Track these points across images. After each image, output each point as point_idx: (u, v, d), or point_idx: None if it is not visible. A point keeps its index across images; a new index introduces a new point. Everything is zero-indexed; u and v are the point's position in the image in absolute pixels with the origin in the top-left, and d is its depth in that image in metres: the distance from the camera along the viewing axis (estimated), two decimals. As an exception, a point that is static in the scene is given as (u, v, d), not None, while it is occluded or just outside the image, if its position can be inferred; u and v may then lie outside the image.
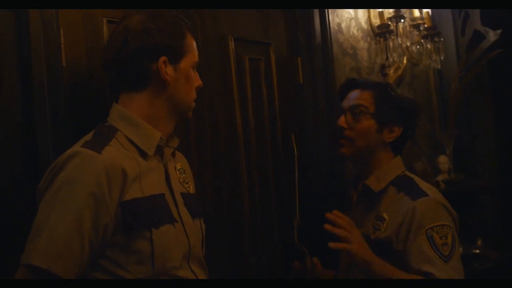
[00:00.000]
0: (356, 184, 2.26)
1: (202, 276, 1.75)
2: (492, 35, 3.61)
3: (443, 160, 3.61)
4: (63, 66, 1.97)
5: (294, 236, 2.27)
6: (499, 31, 3.58)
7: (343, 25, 3.18)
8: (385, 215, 2.08)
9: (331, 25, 3.04)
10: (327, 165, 2.89)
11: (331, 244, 1.95)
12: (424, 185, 2.13)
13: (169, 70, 1.70)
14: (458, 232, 2.05)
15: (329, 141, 2.47)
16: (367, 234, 2.09)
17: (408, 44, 3.49)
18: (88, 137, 1.64)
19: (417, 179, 2.17)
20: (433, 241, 1.95)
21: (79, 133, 1.70)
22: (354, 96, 2.21)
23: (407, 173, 2.20)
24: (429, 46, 3.48)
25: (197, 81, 1.81)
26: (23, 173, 1.86)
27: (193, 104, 1.81)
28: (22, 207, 1.77)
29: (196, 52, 1.79)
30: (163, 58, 1.68)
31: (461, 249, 3.17)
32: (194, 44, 1.79)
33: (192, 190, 1.88)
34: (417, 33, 3.51)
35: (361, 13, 3.31)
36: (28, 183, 1.79)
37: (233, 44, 2.56)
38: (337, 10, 3.13)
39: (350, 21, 3.23)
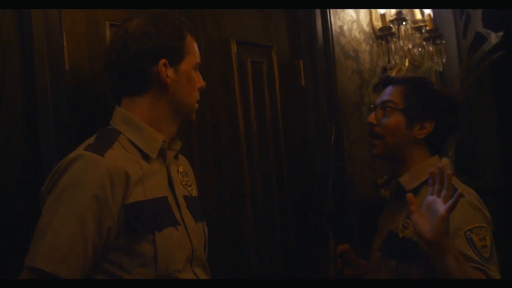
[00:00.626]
0: (389, 182, 2.22)
1: (204, 278, 1.75)
2: (493, 37, 3.62)
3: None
4: (66, 69, 1.98)
5: (324, 223, 2.25)
6: (500, 33, 3.59)
7: (345, 27, 3.18)
8: None
9: (333, 28, 3.05)
10: (330, 166, 2.87)
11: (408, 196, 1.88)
12: (461, 186, 2.05)
13: (169, 72, 1.70)
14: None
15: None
16: (395, 232, 2.05)
17: (410, 46, 3.49)
18: (91, 140, 1.64)
19: (454, 180, 2.04)
20: (473, 243, 1.88)
21: (82, 135, 1.70)
22: (386, 92, 2.17)
23: None
24: (430, 48, 3.49)
25: (200, 82, 1.80)
26: (26, 175, 1.85)
27: (196, 105, 1.81)
28: (24, 208, 1.77)
29: (197, 53, 1.79)
30: (163, 61, 1.68)
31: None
32: (195, 45, 1.79)
33: (194, 193, 1.88)
34: (419, 35, 3.51)
35: (363, 15, 3.31)
36: (31, 185, 1.80)
37: (235, 47, 2.57)
38: (339, 12, 3.14)
39: (352, 23, 3.23)
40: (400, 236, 2.04)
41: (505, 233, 3.68)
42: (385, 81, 2.24)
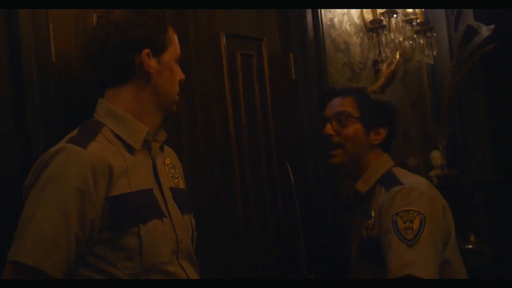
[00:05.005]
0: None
1: (191, 271, 1.74)
2: (485, 30, 3.60)
3: (436, 156, 3.61)
4: (53, 61, 1.96)
5: (303, 268, 2.33)
6: (492, 26, 3.57)
7: (336, 20, 3.17)
8: (372, 213, 2.09)
9: (324, 20, 3.04)
10: (321, 159, 2.87)
11: None
12: (404, 176, 2.14)
13: (152, 62, 1.70)
14: (449, 223, 2.04)
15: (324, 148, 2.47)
16: (362, 237, 2.11)
17: (401, 39, 3.48)
18: (73, 133, 1.64)
19: (398, 171, 2.17)
20: (396, 226, 1.94)
21: (70, 127, 1.70)
22: (337, 104, 2.22)
23: (394, 168, 2.19)
24: (422, 41, 3.47)
25: (180, 75, 1.81)
26: (14, 168, 1.85)
27: (177, 97, 1.81)
28: (11, 203, 1.75)
29: (178, 46, 1.80)
30: (146, 51, 1.68)
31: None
32: (176, 38, 1.79)
33: (182, 185, 1.88)
34: (410, 28, 3.50)
35: (354, 8, 3.30)
36: (19, 180, 1.77)
37: (225, 40, 2.55)
38: (329, 5, 3.12)
39: (343, 16, 3.22)
40: (366, 238, 2.09)
41: (496, 227, 3.69)
42: (332, 93, 2.29)
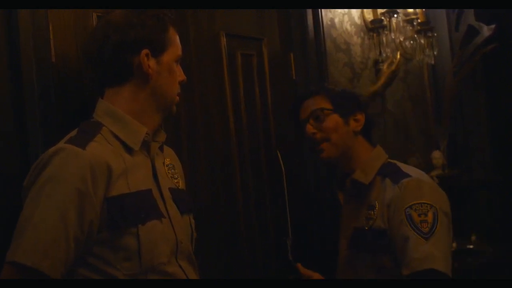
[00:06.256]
0: (342, 183, 2.28)
1: (191, 272, 1.74)
2: (486, 30, 3.60)
3: (437, 155, 3.60)
4: (53, 61, 1.95)
5: (289, 256, 2.29)
6: (493, 26, 3.57)
7: (336, 20, 3.17)
8: (375, 203, 2.09)
9: (324, 20, 3.04)
10: (323, 163, 2.88)
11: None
12: (408, 168, 2.16)
13: (151, 63, 1.69)
14: (451, 217, 2.05)
15: (311, 153, 2.48)
16: (361, 227, 2.11)
17: (402, 39, 3.48)
18: (72, 133, 1.63)
19: (400, 164, 2.19)
20: (411, 219, 1.95)
21: (69, 128, 1.69)
22: (308, 104, 2.24)
23: (390, 160, 2.22)
24: (422, 41, 3.48)
25: (181, 76, 1.80)
26: (14, 169, 1.85)
27: (177, 98, 1.80)
28: (11, 203, 1.75)
29: (179, 46, 1.79)
30: (145, 51, 1.67)
31: (454, 244, 3.21)
32: (177, 38, 1.78)
33: (181, 185, 1.87)
34: (411, 28, 3.50)
35: (354, 8, 3.30)
36: (19, 180, 1.77)
37: (225, 40, 2.55)
38: (330, 5, 3.12)
39: (343, 16, 3.22)
40: (366, 228, 2.09)
41: (497, 227, 3.69)
42: (299, 99, 2.31)
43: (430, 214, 1.96)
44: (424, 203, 1.98)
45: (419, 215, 1.95)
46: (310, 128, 2.20)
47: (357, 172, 2.17)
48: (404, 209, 1.97)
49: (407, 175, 2.07)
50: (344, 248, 2.19)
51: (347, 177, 2.22)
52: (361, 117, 2.21)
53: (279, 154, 2.51)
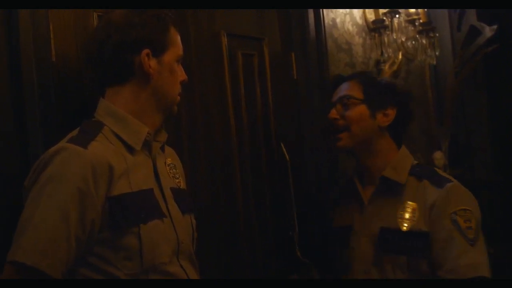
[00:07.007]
0: (361, 175, 2.23)
1: (192, 272, 1.74)
2: (488, 31, 3.59)
3: (439, 156, 3.59)
4: (53, 61, 1.95)
5: (297, 251, 2.26)
6: (495, 27, 3.56)
7: (338, 20, 3.17)
8: (414, 206, 2.06)
9: (326, 20, 3.03)
10: (322, 160, 2.88)
11: None
12: (442, 172, 2.16)
13: (152, 63, 1.69)
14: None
15: (325, 138, 2.44)
16: (395, 228, 2.07)
17: (403, 39, 3.47)
18: (74, 133, 1.64)
19: (439, 171, 2.17)
20: (458, 225, 1.95)
21: (70, 127, 1.70)
22: (342, 88, 2.22)
23: (417, 162, 2.20)
24: (424, 41, 3.47)
25: (182, 75, 1.80)
26: (14, 169, 1.84)
27: (178, 98, 1.80)
28: (11, 203, 1.75)
29: (180, 46, 1.79)
30: (146, 51, 1.68)
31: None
32: (178, 38, 1.78)
33: (183, 185, 1.88)
34: (413, 28, 3.50)
35: (356, 8, 3.29)
36: (19, 179, 1.77)
37: (226, 39, 2.54)
38: (331, 5, 3.12)
39: (345, 16, 3.21)
40: (404, 230, 2.05)
41: (500, 227, 3.68)
42: (338, 80, 2.29)
43: (473, 221, 1.98)
44: (467, 209, 1.99)
45: (465, 221, 1.96)
46: (333, 113, 2.18)
47: (388, 169, 2.13)
48: (449, 214, 1.97)
49: (449, 180, 2.06)
50: (367, 247, 2.14)
51: (366, 170, 2.19)
52: (391, 112, 2.17)
53: (283, 146, 2.47)
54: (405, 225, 2.05)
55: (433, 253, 1.99)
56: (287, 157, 2.41)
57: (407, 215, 2.05)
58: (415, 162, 2.19)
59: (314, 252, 2.38)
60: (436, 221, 2.00)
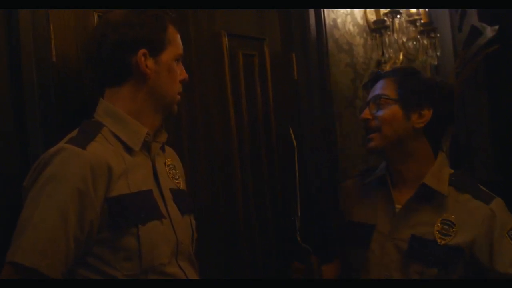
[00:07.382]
0: (391, 178, 2.15)
1: (191, 272, 1.74)
2: (489, 31, 3.58)
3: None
4: (53, 61, 1.95)
5: (297, 236, 2.17)
6: (496, 27, 3.56)
7: (339, 20, 3.16)
8: (454, 219, 2.00)
9: (327, 21, 3.02)
10: (322, 160, 2.88)
11: None
12: (481, 186, 2.11)
13: (149, 62, 1.69)
14: None
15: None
16: (432, 240, 2.01)
17: (404, 40, 3.47)
18: (73, 133, 1.64)
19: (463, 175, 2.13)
20: None
21: (70, 128, 1.70)
22: (377, 87, 2.13)
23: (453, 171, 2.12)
24: (425, 42, 3.47)
25: (182, 74, 1.79)
26: (14, 169, 1.84)
27: (178, 97, 1.79)
28: (11, 203, 1.75)
29: (180, 45, 1.78)
30: (142, 51, 1.67)
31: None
32: (178, 37, 1.78)
33: (182, 185, 1.87)
34: (414, 28, 3.49)
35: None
36: (19, 180, 1.77)
37: (226, 39, 2.54)
38: (332, 5, 3.12)
39: (346, 16, 3.21)
40: (440, 243, 1.99)
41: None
42: (375, 77, 2.20)
43: None
44: None
45: None
46: (366, 114, 2.11)
47: (429, 177, 2.03)
48: (506, 232, 1.95)
49: (492, 195, 2.02)
50: (391, 252, 2.06)
51: (397, 173, 2.12)
52: (427, 113, 2.04)
53: (291, 131, 2.41)
54: (443, 237, 1.98)
55: (488, 267, 1.97)
56: (295, 142, 2.35)
57: (445, 228, 1.99)
58: (451, 170, 2.11)
59: (314, 240, 2.35)
60: (495, 240, 1.96)
